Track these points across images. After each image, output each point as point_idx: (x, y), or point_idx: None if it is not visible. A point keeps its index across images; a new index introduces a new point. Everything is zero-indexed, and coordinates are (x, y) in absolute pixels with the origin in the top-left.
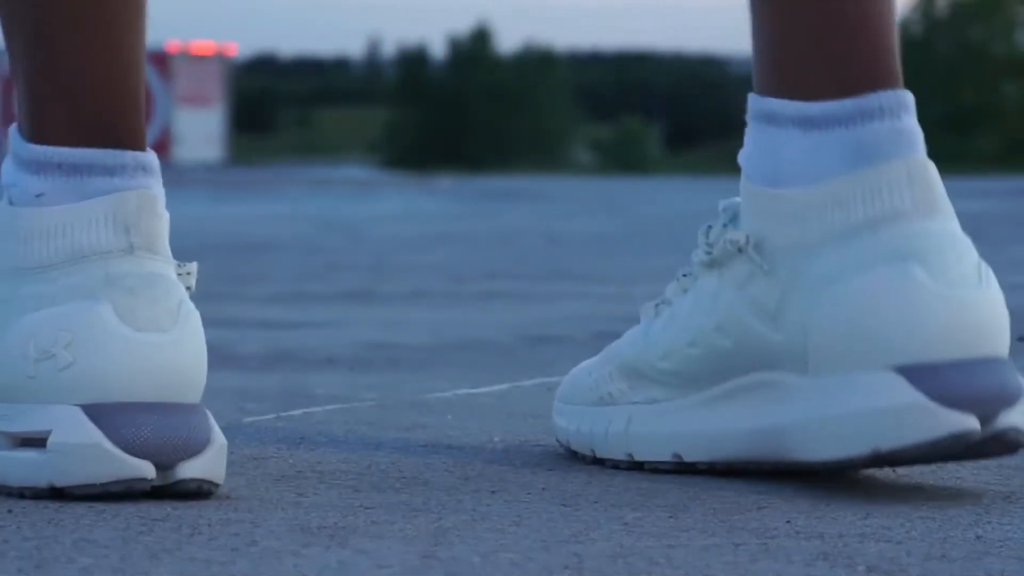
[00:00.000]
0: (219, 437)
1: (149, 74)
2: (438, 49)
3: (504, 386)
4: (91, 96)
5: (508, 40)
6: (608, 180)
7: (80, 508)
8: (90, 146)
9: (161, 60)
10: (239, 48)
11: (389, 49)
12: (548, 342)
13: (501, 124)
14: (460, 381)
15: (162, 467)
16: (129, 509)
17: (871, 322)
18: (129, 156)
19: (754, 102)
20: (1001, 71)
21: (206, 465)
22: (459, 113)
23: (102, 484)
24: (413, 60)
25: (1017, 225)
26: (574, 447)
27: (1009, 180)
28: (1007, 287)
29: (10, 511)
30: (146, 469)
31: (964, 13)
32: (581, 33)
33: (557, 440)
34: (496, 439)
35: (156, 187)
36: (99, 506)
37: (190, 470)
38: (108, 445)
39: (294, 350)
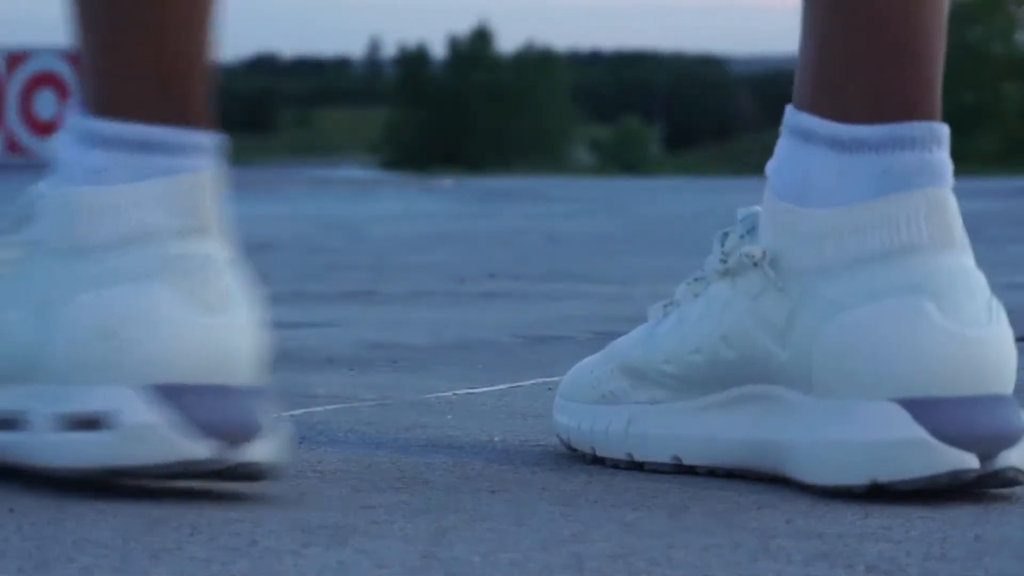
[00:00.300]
0: (274, 420)
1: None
2: (438, 49)
3: (504, 386)
4: (166, 72)
5: (508, 40)
6: (608, 180)
7: (81, 507)
8: (156, 123)
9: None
10: (239, 48)
11: (389, 49)
12: (548, 342)
13: (501, 124)
14: (460, 381)
15: (227, 449)
16: (129, 509)
17: (877, 352)
18: (193, 136)
19: (791, 116)
20: (1001, 71)
21: (266, 448)
22: (459, 113)
23: (164, 465)
24: (413, 60)
25: (1017, 225)
26: (574, 444)
27: (1009, 180)
28: (1007, 287)
29: (11, 510)
30: (211, 450)
31: (964, 13)
32: (581, 33)
33: (558, 436)
34: (496, 439)
35: (215, 169)
36: (100, 505)
37: (252, 453)
38: (169, 426)
39: (294, 350)
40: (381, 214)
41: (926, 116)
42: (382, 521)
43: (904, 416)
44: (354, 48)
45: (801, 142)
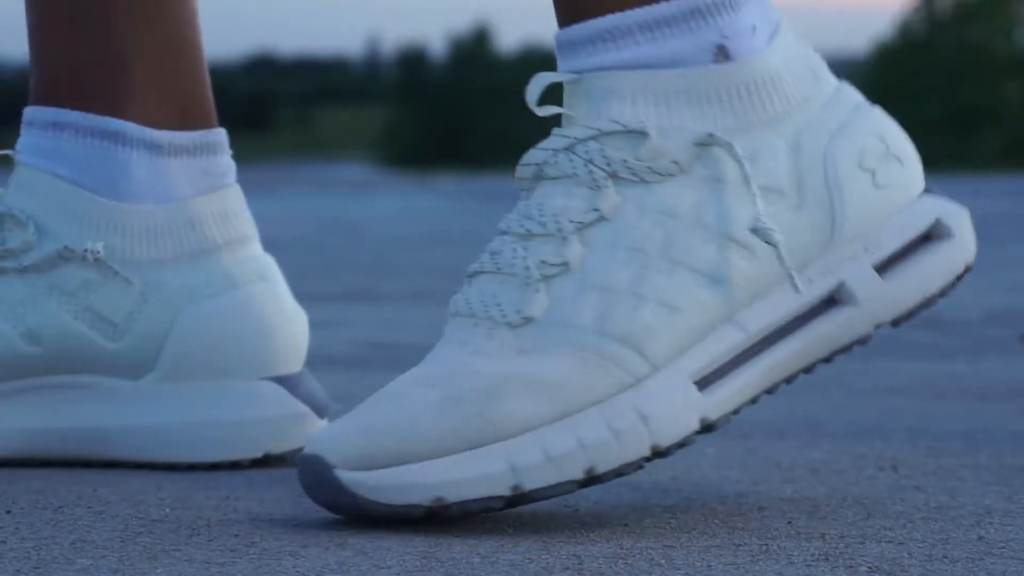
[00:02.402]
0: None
1: None
2: (438, 48)
3: None
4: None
5: (508, 40)
6: None
7: (79, 509)
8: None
9: None
10: (238, 47)
11: (389, 48)
12: None
13: (502, 124)
14: None
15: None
16: (127, 510)
17: (245, 335)
18: (221, 134)
19: (88, 119)
20: (1002, 71)
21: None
22: (459, 113)
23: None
24: (413, 59)
25: (1017, 225)
26: None
27: (1009, 180)
28: (1007, 287)
29: (8, 512)
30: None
31: (965, 13)
32: None
33: None
34: None
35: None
36: (98, 507)
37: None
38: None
39: None
40: (381, 214)
41: (211, 124)
42: (382, 521)
43: (284, 392)
44: (353, 47)
45: (112, 144)
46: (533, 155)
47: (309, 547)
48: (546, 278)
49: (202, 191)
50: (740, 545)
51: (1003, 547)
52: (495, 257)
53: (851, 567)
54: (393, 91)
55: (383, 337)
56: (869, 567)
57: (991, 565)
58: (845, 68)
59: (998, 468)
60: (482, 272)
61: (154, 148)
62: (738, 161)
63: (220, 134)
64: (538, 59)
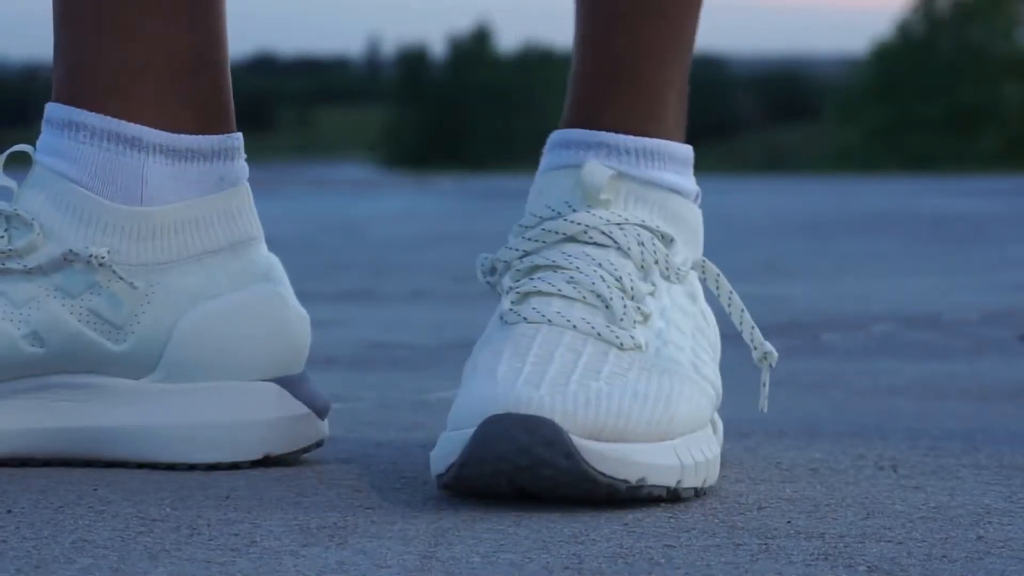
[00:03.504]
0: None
1: None
2: (438, 49)
3: None
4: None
5: (508, 40)
6: None
7: (79, 508)
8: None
9: None
10: (239, 47)
11: (389, 48)
12: None
13: (502, 124)
14: (460, 381)
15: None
16: (128, 510)
17: (250, 336)
18: (238, 138)
19: (104, 122)
20: (1001, 71)
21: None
22: (459, 113)
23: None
24: (413, 60)
25: (1017, 225)
26: None
27: (1009, 180)
28: (1007, 287)
29: (9, 511)
30: (327, 428)
31: (965, 13)
32: None
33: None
34: None
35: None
36: (98, 506)
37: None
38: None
39: None
40: (381, 214)
41: (230, 128)
42: (382, 521)
43: (285, 394)
44: (353, 47)
45: (128, 148)
46: (587, 218)
47: (309, 547)
48: (636, 322)
49: (211, 193)
50: (740, 545)
51: (1002, 546)
52: (577, 287)
53: (851, 567)
54: (393, 91)
55: (383, 337)
56: (868, 567)
57: (990, 564)
58: (845, 68)
59: (997, 468)
60: (558, 295)
61: (171, 153)
62: (729, 288)
63: (237, 139)
64: (537, 59)
